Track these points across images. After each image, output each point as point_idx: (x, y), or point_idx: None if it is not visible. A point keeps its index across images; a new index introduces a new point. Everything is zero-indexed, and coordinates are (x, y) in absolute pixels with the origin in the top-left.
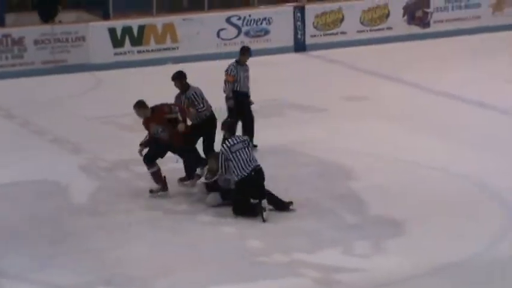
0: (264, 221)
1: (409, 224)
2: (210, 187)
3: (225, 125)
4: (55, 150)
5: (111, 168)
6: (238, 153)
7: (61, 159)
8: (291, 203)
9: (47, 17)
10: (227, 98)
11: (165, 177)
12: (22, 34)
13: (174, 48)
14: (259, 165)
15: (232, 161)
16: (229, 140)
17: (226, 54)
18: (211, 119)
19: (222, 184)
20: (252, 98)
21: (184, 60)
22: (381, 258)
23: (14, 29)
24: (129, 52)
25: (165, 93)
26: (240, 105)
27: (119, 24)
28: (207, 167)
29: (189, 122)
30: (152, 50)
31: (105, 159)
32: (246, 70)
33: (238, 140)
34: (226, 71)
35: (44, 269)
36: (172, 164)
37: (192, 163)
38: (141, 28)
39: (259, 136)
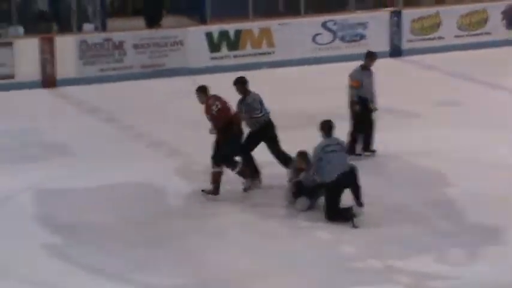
0: (354, 227)
1: (505, 232)
2: (295, 193)
3: (323, 126)
4: (151, 153)
5: (207, 171)
6: (331, 155)
7: (157, 163)
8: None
9: (152, 21)
10: (352, 103)
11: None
12: (122, 38)
13: (269, 53)
14: (353, 169)
15: (323, 161)
16: (325, 140)
17: (321, 59)
18: (269, 124)
19: (307, 183)
20: (345, 103)
21: (280, 64)
22: (475, 266)
23: (115, 34)
24: (225, 56)
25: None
26: (362, 110)
27: (216, 28)
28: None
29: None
30: (248, 55)
31: (201, 162)
32: (370, 75)
33: (334, 142)
34: (350, 76)
35: (140, 270)
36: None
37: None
38: (238, 33)
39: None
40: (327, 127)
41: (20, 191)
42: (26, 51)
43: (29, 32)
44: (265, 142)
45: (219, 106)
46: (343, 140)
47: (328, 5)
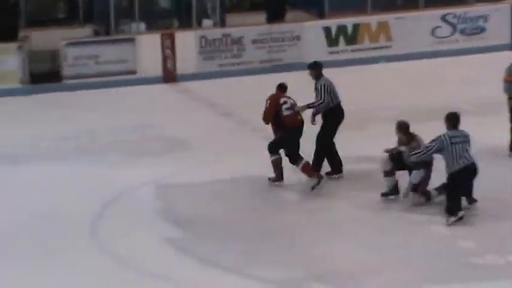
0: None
1: None
2: (387, 172)
3: (449, 117)
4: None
5: (325, 165)
6: (456, 146)
7: None
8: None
9: (275, 16)
10: (509, 98)
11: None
12: (241, 34)
13: (387, 47)
14: (474, 163)
15: (448, 151)
16: (450, 132)
17: (440, 52)
18: (332, 112)
19: (407, 161)
20: (466, 97)
21: (398, 58)
22: None
23: (234, 29)
24: (343, 51)
25: (374, 90)
26: None
27: (334, 23)
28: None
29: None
30: (366, 49)
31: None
32: None
33: (459, 134)
34: (507, 70)
35: (255, 264)
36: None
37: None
38: (356, 27)
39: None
40: (452, 118)
41: (140, 185)
42: (148, 47)
43: (150, 28)
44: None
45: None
46: (469, 133)
47: None
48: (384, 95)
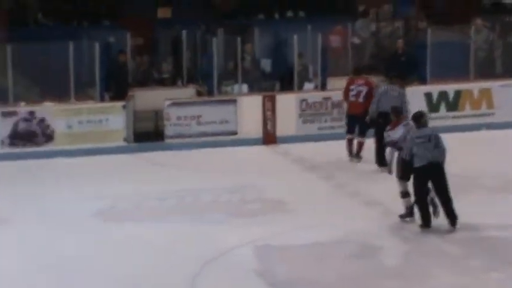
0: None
1: None
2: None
3: (415, 118)
4: (366, 211)
5: (420, 231)
6: (419, 146)
7: (372, 221)
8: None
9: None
10: None
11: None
12: (341, 98)
13: (489, 114)
14: (438, 162)
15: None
16: (417, 132)
17: None
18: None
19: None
20: None
21: (500, 126)
22: None
23: (334, 93)
24: (444, 117)
25: (477, 158)
26: None
27: (435, 89)
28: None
29: None
30: (467, 116)
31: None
32: None
33: (424, 134)
34: None
35: None
36: None
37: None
38: (457, 93)
39: None
40: (418, 118)
41: (240, 245)
42: (249, 109)
43: (252, 90)
44: None
45: None
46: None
47: None
48: (487, 162)
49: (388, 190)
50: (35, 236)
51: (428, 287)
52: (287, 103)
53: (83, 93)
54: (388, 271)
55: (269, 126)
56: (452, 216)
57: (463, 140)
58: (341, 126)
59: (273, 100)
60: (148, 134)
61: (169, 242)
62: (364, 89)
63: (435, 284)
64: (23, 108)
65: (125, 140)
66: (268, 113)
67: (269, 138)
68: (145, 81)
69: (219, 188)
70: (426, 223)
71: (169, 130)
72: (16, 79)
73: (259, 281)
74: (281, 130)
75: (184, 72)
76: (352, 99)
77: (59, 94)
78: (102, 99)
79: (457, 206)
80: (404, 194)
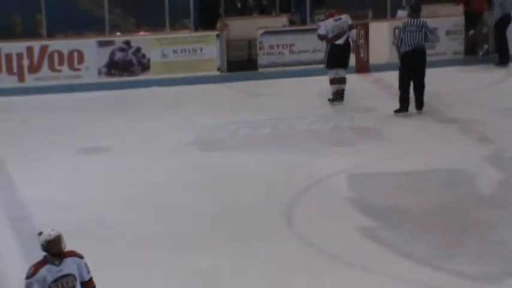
0: None
1: None
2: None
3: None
4: (462, 139)
5: None
6: (407, 33)
7: (468, 149)
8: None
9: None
10: None
11: None
12: (435, 25)
13: None
14: (423, 48)
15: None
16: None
17: None
18: None
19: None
20: None
21: None
22: None
23: (428, 20)
24: None
25: None
26: None
27: None
28: None
29: None
30: None
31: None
32: None
33: (414, 23)
34: None
35: (450, 257)
36: None
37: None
38: None
39: None
40: (412, 8)
41: (334, 174)
42: None
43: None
44: None
45: None
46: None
47: None
48: None
49: (487, 117)
50: (131, 164)
51: None
52: (380, 31)
53: (177, 23)
54: (484, 200)
55: (362, 54)
56: (419, 102)
57: None
58: (434, 53)
59: (366, 28)
60: (241, 63)
61: (264, 170)
62: None
63: None
64: (118, 38)
65: (219, 69)
66: (361, 41)
67: (362, 66)
68: (239, 10)
69: (312, 116)
70: (403, 107)
71: (262, 59)
72: (112, 9)
73: (355, 208)
74: (374, 58)
75: (277, 1)
76: None
77: (154, 24)
78: (196, 29)
79: None
80: (332, 81)
